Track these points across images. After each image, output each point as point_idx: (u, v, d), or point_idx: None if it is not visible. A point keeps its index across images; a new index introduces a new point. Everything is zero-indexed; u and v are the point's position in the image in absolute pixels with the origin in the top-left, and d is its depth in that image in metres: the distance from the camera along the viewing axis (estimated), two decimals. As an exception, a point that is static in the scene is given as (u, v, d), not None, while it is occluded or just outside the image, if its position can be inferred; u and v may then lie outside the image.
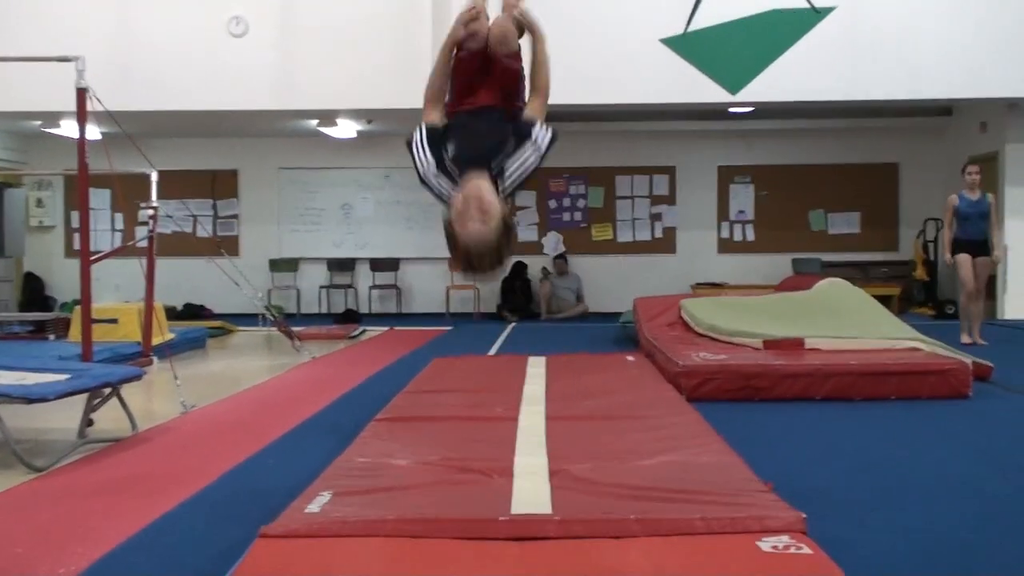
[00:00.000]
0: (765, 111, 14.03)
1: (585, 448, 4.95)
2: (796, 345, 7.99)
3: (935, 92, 12.26)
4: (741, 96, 12.12)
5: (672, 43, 11.93)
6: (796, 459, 5.19)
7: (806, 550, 3.21)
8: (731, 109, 13.67)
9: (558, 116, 15.44)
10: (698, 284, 15.31)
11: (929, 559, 3.49)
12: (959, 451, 5.45)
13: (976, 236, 10.41)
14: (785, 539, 3.32)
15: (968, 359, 7.35)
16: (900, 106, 13.78)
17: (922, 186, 15.74)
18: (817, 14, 11.90)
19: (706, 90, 12.06)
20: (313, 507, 3.75)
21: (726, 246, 16.18)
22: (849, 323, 8.55)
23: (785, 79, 11.96)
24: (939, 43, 11.96)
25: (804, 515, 3.50)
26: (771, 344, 8.09)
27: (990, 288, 13.53)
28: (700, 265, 15.91)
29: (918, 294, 15.17)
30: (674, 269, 15.79)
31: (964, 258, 10.33)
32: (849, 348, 7.87)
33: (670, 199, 16.07)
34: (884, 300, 10.75)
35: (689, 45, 11.94)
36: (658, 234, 16.09)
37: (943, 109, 14.90)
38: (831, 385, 7.06)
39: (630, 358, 8.83)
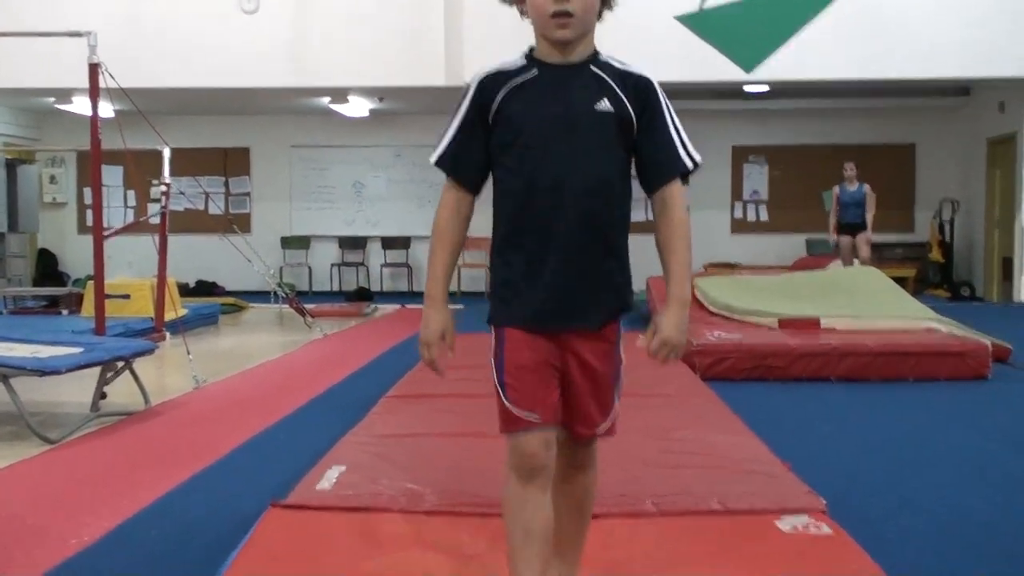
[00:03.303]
0: (780, 90, 13.90)
1: (599, 426, 4.92)
2: (812, 324, 7.93)
3: (953, 71, 12.14)
4: (756, 75, 12.03)
5: (687, 20, 11.84)
6: (812, 439, 5.14)
7: (826, 530, 3.17)
8: (746, 88, 13.56)
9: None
10: (710, 264, 15.22)
11: (949, 539, 3.44)
12: (978, 432, 5.39)
13: (854, 219, 12.38)
14: (805, 519, 3.27)
15: (987, 340, 7.28)
16: (917, 86, 13.65)
17: (939, 167, 15.63)
18: (834, -8, 11.79)
19: (721, 69, 11.96)
20: (324, 483, 3.72)
21: (739, 226, 16.11)
22: (865, 303, 8.48)
23: (801, 58, 11.86)
24: (957, 22, 11.82)
25: (824, 500, 3.46)
26: (787, 323, 8.03)
27: (1007, 271, 13.56)
28: (713, 246, 15.82)
29: (933, 276, 15.09)
30: (687, 249, 15.68)
31: (845, 239, 12.44)
32: (866, 328, 7.79)
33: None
34: (899, 281, 10.67)
35: (704, 22, 11.85)
36: (671, 214, 15.96)
37: (961, 89, 14.76)
38: (847, 365, 7.00)
39: (643, 336, 8.78)
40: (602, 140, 2.38)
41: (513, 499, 2.44)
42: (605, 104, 2.36)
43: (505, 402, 2.43)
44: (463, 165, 2.42)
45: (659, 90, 2.42)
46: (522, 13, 2.41)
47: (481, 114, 2.38)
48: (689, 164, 2.57)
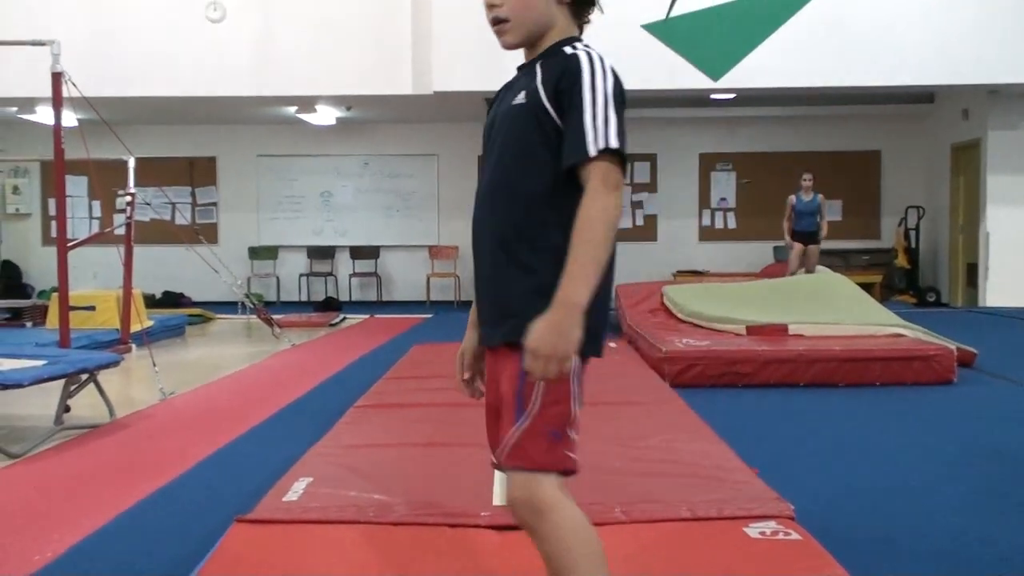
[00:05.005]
0: (747, 98, 13.97)
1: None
2: (780, 331, 7.97)
3: (917, 79, 12.23)
4: (723, 83, 12.07)
5: (654, 29, 11.87)
6: (781, 445, 5.15)
7: (795, 536, 3.18)
8: (713, 96, 13.61)
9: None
10: (679, 272, 15.28)
11: (916, 543, 3.45)
12: (944, 436, 5.42)
13: (808, 228, 12.58)
14: (773, 525, 3.28)
15: (952, 345, 7.33)
16: (882, 93, 13.75)
17: (904, 174, 15.74)
18: (800, 0, 11.86)
19: (688, 77, 12.00)
20: (291, 495, 3.69)
21: (708, 234, 16.15)
22: (832, 309, 8.53)
23: (767, 65, 11.91)
24: (921, 30, 11.93)
25: (792, 506, 3.46)
26: (755, 330, 8.06)
27: (972, 277, 13.66)
28: (681, 253, 15.87)
29: (899, 282, 15.18)
30: (655, 257, 15.73)
31: (798, 246, 12.55)
32: (833, 334, 7.84)
33: (651, 187, 16.01)
34: (866, 288, 10.75)
35: (671, 31, 11.88)
36: (639, 222, 16.04)
37: (925, 96, 14.87)
38: (815, 371, 7.03)
39: (612, 344, 8.79)
40: (512, 139, 2.14)
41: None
42: (520, 98, 2.12)
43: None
44: None
45: (585, 68, 2.06)
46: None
47: None
48: (592, 151, 2.01)
